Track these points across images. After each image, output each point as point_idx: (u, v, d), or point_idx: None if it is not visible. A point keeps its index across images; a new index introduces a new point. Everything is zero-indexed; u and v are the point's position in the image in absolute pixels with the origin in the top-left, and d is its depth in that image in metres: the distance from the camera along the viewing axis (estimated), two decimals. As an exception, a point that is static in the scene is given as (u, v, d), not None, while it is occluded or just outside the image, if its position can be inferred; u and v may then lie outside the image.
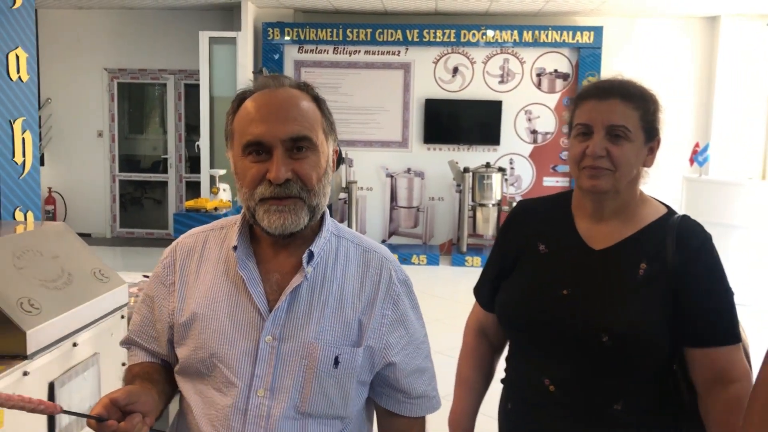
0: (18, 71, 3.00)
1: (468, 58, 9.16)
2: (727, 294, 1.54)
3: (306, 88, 1.37)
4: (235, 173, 1.34)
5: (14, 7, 2.99)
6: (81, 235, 8.55)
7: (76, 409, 1.94)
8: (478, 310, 1.82)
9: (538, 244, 1.65)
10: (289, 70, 9.22)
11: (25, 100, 3.07)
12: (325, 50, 9.21)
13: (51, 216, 10.06)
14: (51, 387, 1.85)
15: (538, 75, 9.11)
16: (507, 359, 1.75)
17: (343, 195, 8.80)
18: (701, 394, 1.54)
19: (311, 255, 1.34)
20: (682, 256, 1.53)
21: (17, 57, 2.99)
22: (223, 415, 1.31)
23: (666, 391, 1.57)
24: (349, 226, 8.71)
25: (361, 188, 9.22)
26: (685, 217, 1.60)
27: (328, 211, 1.45)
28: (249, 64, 8.82)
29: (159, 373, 1.42)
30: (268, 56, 9.14)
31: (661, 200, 1.67)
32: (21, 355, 1.75)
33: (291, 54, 9.24)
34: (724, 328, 1.52)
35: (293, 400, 1.31)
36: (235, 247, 1.35)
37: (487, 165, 8.73)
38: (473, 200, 8.71)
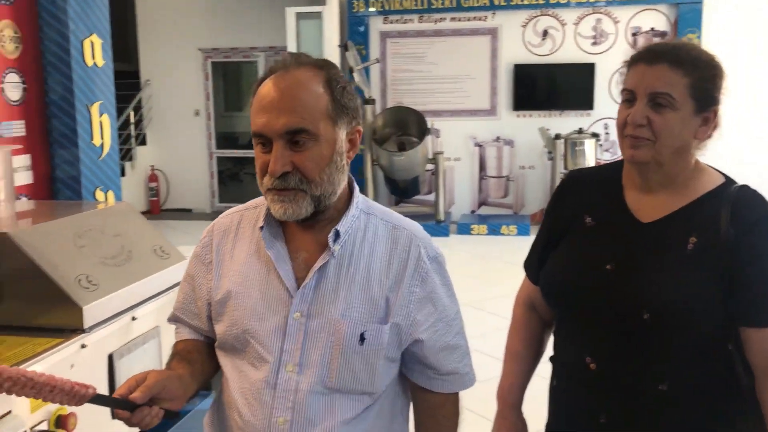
0: (93, 57, 3.14)
1: (558, 20, 8.84)
2: None
3: (323, 67, 1.34)
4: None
5: (88, -5, 3.12)
6: (182, 211, 8.96)
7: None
8: (527, 283, 1.77)
9: (585, 216, 1.59)
10: (374, 41, 9.22)
11: (101, 84, 3.21)
12: (410, 19, 9.13)
13: (154, 193, 10.58)
14: (110, 358, 1.95)
15: (634, 35, 8.68)
16: (553, 334, 1.71)
17: (430, 166, 8.76)
18: (759, 378, 1.45)
19: (337, 234, 1.35)
20: (737, 228, 1.42)
21: (92, 43, 3.13)
22: (255, 389, 1.35)
23: (718, 373, 1.47)
24: (437, 197, 8.68)
25: (449, 159, 9.13)
26: (744, 187, 1.48)
27: (357, 188, 1.44)
28: (335, 38, 8.87)
29: (199, 352, 1.47)
30: (353, 29, 9.16)
31: (720, 170, 1.55)
32: (79, 329, 1.86)
33: (376, 25, 9.22)
34: None
35: (321, 376, 1.33)
36: (261, 228, 1.38)
37: (580, 131, 8.44)
38: (565, 168, 8.45)
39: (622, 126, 1.48)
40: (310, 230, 1.37)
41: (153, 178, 10.61)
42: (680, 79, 1.42)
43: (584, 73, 8.66)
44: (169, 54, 10.44)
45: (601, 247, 1.54)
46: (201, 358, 1.46)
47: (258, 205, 1.48)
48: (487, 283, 6.20)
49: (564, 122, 8.79)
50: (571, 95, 8.79)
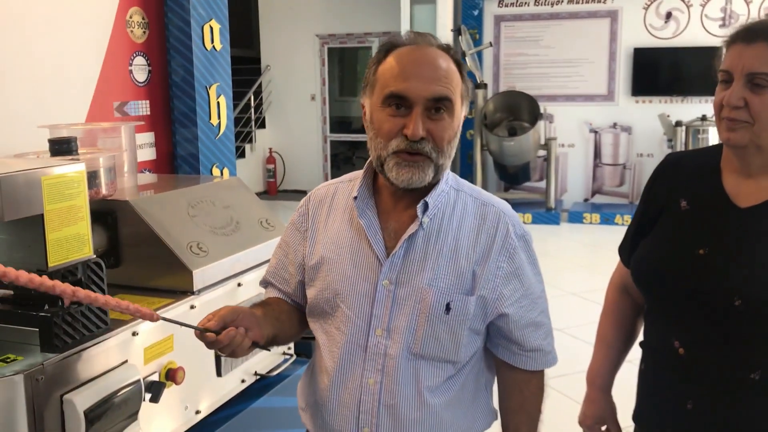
0: (212, 41, 3.32)
1: (683, 1, 8.42)
2: None
3: (449, 50, 1.41)
4: (369, 121, 1.41)
5: (208, -17, 3.31)
6: (297, 191, 9.27)
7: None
8: (621, 267, 1.76)
9: (681, 200, 1.55)
10: (488, 25, 9.13)
11: (219, 67, 3.40)
12: (525, 2, 8.98)
13: (272, 174, 11.00)
14: (217, 321, 2.10)
15: (768, 15, 8.13)
16: (644, 318, 1.68)
17: (542, 152, 8.61)
18: None
19: (426, 205, 1.40)
20: None
21: (211, 28, 3.31)
22: (346, 350, 1.43)
23: None
24: (548, 184, 8.53)
25: (562, 145, 8.94)
26: None
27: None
28: (449, 23, 8.86)
29: (278, 305, 1.57)
30: (467, 13, 9.11)
31: None
32: (189, 291, 2.00)
33: (491, 9, 9.13)
34: None
35: (407, 341, 1.39)
36: (355, 198, 1.44)
37: (703, 118, 8.03)
38: (686, 156, 8.07)
39: (719, 108, 1.44)
40: (401, 201, 1.43)
41: (271, 160, 11.03)
42: None
43: (710, 57, 8.14)
44: (287, 40, 10.79)
45: (695, 231, 1.51)
46: (279, 308, 1.55)
47: (353, 178, 1.55)
48: (596, 273, 6.05)
49: (686, 109, 8.40)
50: (695, 80, 8.35)
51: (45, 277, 1.24)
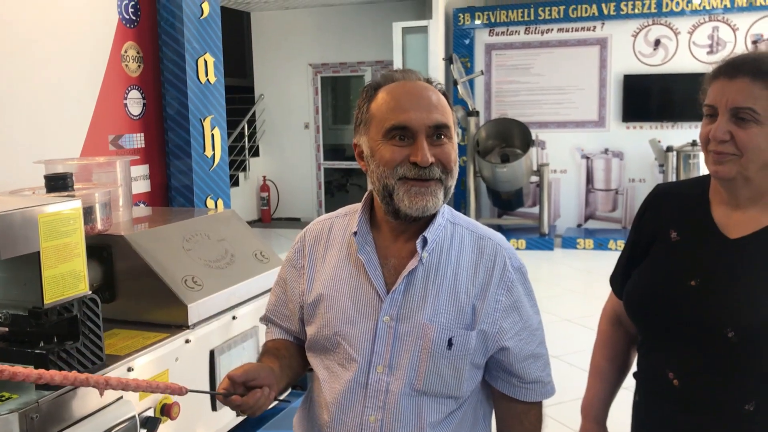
0: (207, 74, 3.36)
1: (671, 28, 8.54)
2: None
3: (434, 83, 1.45)
4: (369, 156, 1.41)
5: (202, 17, 3.35)
6: (291, 219, 9.26)
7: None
8: (613, 298, 1.77)
9: (671, 231, 1.57)
10: (479, 54, 9.23)
11: (213, 100, 3.43)
12: (516, 31, 9.08)
13: (265, 202, 11.01)
14: (212, 354, 2.10)
15: (754, 42, 8.24)
16: (637, 349, 1.69)
17: (534, 178, 8.65)
18: None
19: (425, 240, 1.40)
20: None
21: (205, 62, 3.35)
22: (346, 388, 1.41)
23: None
24: (541, 210, 8.57)
25: (554, 171, 8.99)
26: None
27: None
28: (440, 52, 8.96)
29: (287, 350, 1.57)
30: (458, 42, 9.21)
31: None
32: (184, 325, 2.01)
33: (482, 38, 9.23)
34: None
35: (409, 378, 1.38)
36: (355, 233, 1.45)
37: (694, 143, 8.08)
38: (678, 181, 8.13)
39: (706, 141, 1.46)
40: (400, 236, 1.44)
41: (265, 188, 11.06)
42: (763, 92, 1.38)
43: (699, 84, 8.28)
44: (281, 69, 10.89)
45: (685, 262, 1.52)
46: (289, 354, 1.55)
47: (348, 213, 1.55)
48: (591, 298, 6.07)
49: (677, 134, 8.46)
50: (685, 106, 8.43)
51: (75, 373, 1.23)
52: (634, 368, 1.71)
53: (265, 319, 1.65)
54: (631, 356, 1.77)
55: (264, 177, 11.08)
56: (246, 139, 10.85)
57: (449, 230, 1.46)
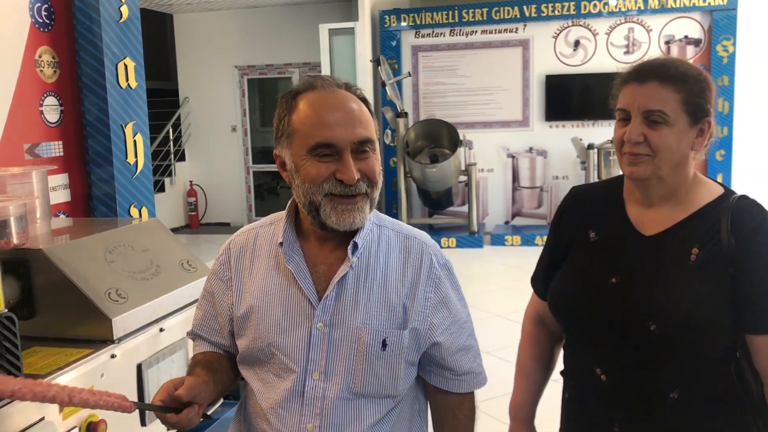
0: (127, 79, 3.27)
1: (590, 30, 8.82)
2: None
3: (354, 90, 1.44)
4: (294, 170, 1.39)
5: (121, 21, 3.26)
6: (220, 224, 9.11)
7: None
8: (535, 299, 1.81)
9: (589, 231, 1.62)
10: (406, 55, 9.31)
11: (135, 105, 3.34)
12: (441, 33, 9.20)
13: (193, 208, 10.80)
14: (139, 368, 2.04)
15: (667, 42, 8.61)
16: (563, 348, 1.74)
17: (462, 178, 8.78)
18: (766, 383, 1.48)
19: (355, 246, 1.41)
20: (738, 237, 1.46)
21: (125, 66, 3.26)
22: (283, 398, 1.41)
23: (729, 380, 1.50)
24: (470, 208, 8.70)
25: (482, 170, 9.15)
26: (743, 197, 1.52)
27: None
28: (367, 53, 8.99)
29: (219, 362, 1.54)
30: (385, 43, 9.26)
31: (719, 182, 1.59)
32: (108, 340, 1.95)
33: (408, 40, 9.31)
34: None
35: (346, 382, 1.39)
36: (281, 243, 1.44)
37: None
38: (599, 177, 8.40)
39: (620, 144, 1.52)
40: (328, 243, 1.44)
41: (192, 193, 10.84)
42: (671, 95, 1.46)
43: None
44: (206, 72, 10.70)
45: (605, 261, 1.58)
46: (221, 367, 1.53)
47: (273, 221, 1.54)
48: (520, 294, 6.15)
49: (597, 132, 8.74)
50: (604, 105, 8.61)
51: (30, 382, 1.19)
52: (560, 366, 1.75)
53: (192, 335, 1.61)
54: (555, 355, 1.82)
55: (191, 182, 10.87)
56: (171, 143, 10.61)
57: (376, 233, 1.47)
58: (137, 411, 2.05)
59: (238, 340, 1.49)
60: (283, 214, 1.53)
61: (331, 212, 1.35)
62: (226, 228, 10.72)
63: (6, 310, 1.62)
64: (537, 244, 8.46)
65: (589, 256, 1.61)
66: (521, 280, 7.95)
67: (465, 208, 9.00)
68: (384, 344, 1.39)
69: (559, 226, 1.70)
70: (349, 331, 1.39)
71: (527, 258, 7.90)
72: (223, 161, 10.93)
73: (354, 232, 1.41)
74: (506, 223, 9.35)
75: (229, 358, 1.57)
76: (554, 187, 9.16)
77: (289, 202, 1.50)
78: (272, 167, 11.12)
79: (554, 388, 1.81)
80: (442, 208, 9.26)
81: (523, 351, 1.84)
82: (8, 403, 1.58)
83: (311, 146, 1.34)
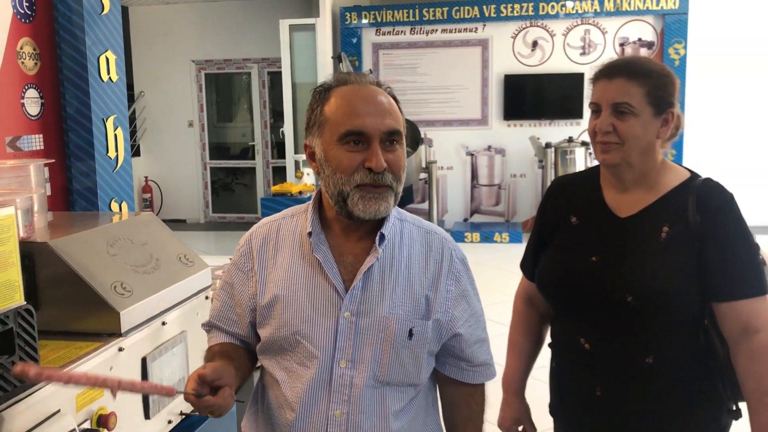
0: (108, 72, 3.24)
1: (547, 31, 9.01)
2: (748, 248, 1.63)
3: (385, 87, 1.48)
4: (323, 160, 1.43)
5: (103, 13, 3.22)
6: (176, 221, 8.99)
7: (167, 381, 2.14)
8: (524, 281, 1.97)
9: (571, 216, 1.79)
10: (367, 53, 9.35)
11: (115, 99, 3.31)
12: (402, 31, 9.27)
13: (148, 204, 10.63)
14: (143, 361, 2.04)
15: (621, 45, 8.87)
16: (551, 323, 1.90)
17: (423, 175, 8.88)
18: (731, 347, 1.63)
19: (382, 237, 1.45)
20: (703, 215, 1.63)
21: (107, 59, 3.23)
22: (309, 385, 1.44)
23: (698, 346, 1.66)
24: (430, 205, 8.80)
25: (442, 168, 9.27)
26: (707, 180, 1.70)
27: None
28: (328, 50, 8.99)
29: (236, 352, 1.56)
30: (346, 41, 9.29)
31: (686, 166, 1.77)
32: (116, 333, 1.94)
33: (369, 37, 9.36)
34: (747, 281, 1.61)
35: (372, 370, 1.43)
36: (309, 233, 1.47)
37: (570, 140, 8.60)
38: (556, 176, 8.60)
39: (593, 134, 1.70)
40: (353, 235, 1.48)
41: (147, 189, 10.67)
42: (636, 89, 1.62)
43: (573, 83, 8.82)
44: (162, 66, 10.53)
45: (586, 242, 1.74)
46: (238, 356, 1.55)
47: (294, 213, 1.57)
48: (481, 290, 6.28)
49: (554, 131, 8.95)
50: (561, 104, 8.95)
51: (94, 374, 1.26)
52: (548, 340, 1.92)
53: (209, 325, 1.63)
54: (543, 332, 1.98)
55: (146, 177, 10.69)
56: (126, 138, 10.41)
57: (398, 226, 1.51)
58: (141, 404, 2.07)
59: (261, 329, 1.51)
60: (302, 207, 1.56)
61: (359, 201, 1.38)
62: (182, 224, 10.58)
63: (25, 303, 1.61)
64: (496, 241, 8.62)
65: (572, 238, 1.77)
66: (482, 277, 8.08)
67: (425, 206, 9.10)
68: (411, 333, 1.44)
69: (545, 212, 1.87)
70: (376, 321, 1.43)
71: (488, 254, 8.09)
72: (180, 157, 10.79)
73: (378, 225, 1.46)
74: (465, 220, 9.49)
75: (246, 349, 1.59)
76: (512, 185, 9.35)
77: (314, 193, 1.54)
78: (229, 163, 11.03)
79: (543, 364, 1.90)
80: (402, 205, 9.19)
81: (514, 328, 2.00)
82: (27, 397, 1.58)
83: (342, 134, 1.38)
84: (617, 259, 1.67)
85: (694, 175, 1.71)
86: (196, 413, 2.34)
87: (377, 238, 1.44)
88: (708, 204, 1.63)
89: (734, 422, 1.72)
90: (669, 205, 1.67)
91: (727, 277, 1.61)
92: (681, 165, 1.76)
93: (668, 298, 1.61)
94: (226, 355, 1.53)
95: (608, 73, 1.67)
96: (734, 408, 1.69)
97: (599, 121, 1.66)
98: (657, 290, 1.61)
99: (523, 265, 1.95)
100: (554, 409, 1.89)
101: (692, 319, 1.65)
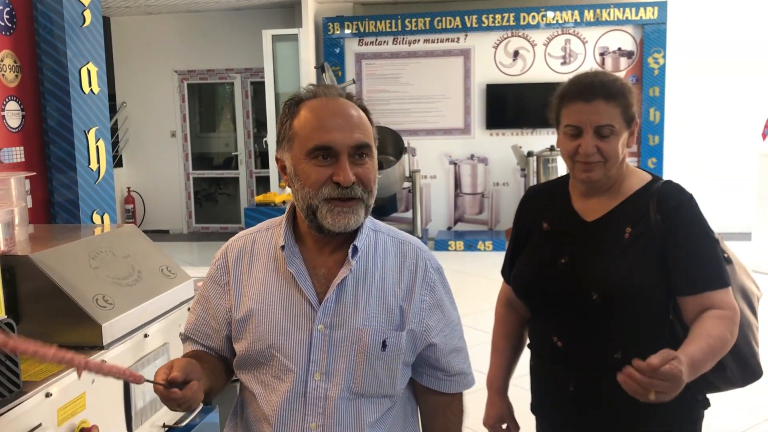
0: (90, 84, 3.23)
1: (528, 40, 9.10)
2: (709, 243, 1.70)
3: (353, 98, 1.49)
4: (293, 174, 1.44)
5: (84, 25, 3.23)
6: (159, 232, 8.95)
7: (150, 394, 2.14)
8: (504, 286, 2.04)
9: (542, 222, 1.87)
10: (350, 63, 9.38)
11: (97, 111, 3.31)
12: (384, 41, 9.32)
13: (131, 215, 10.57)
14: (126, 374, 2.04)
15: (602, 54, 8.97)
16: (528, 324, 1.97)
17: (406, 184, 8.91)
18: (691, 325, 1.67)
19: (355, 249, 1.46)
20: (663, 215, 1.71)
21: (89, 71, 3.22)
22: (285, 398, 1.44)
23: (664, 340, 1.69)
24: (414, 214, 8.83)
25: (425, 177, 9.31)
26: (667, 182, 1.78)
27: None
28: (311, 60, 9.01)
29: (207, 357, 1.56)
30: (329, 51, 9.31)
31: (647, 170, 1.85)
32: (98, 346, 1.94)
33: (351, 47, 9.39)
34: (709, 274, 1.68)
35: (347, 382, 1.44)
36: (282, 247, 1.48)
37: (552, 148, 8.66)
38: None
39: (573, 154, 1.73)
40: (326, 247, 1.49)
41: (129, 199, 10.61)
42: (614, 109, 1.69)
43: (555, 92, 8.87)
44: (144, 76, 10.50)
45: (556, 245, 1.81)
46: (210, 360, 1.55)
47: (270, 226, 1.57)
48: (465, 298, 6.31)
49: (536, 140, 9.02)
50: (542, 114, 8.93)
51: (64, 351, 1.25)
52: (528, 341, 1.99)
53: (184, 337, 1.63)
54: (524, 334, 2.04)
55: (129, 188, 10.64)
56: (108, 148, 10.35)
57: (372, 238, 1.53)
58: (124, 417, 2.06)
59: (237, 343, 1.51)
60: (277, 220, 1.57)
61: (328, 214, 1.40)
62: (165, 235, 10.52)
63: (6, 317, 1.61)
64: (480, 249, 8.66)
65: (543, 243, 1.85)
66: (466, 285, 8.08)
67: (409, 214, 9.13)
68: (384, 345, 1.45)
69: (519, 220, 1.96)
70: (350, 333, 1.44)
71: (471, 263, 8.13)
72: (162, 167, 10.74)
73: (351, 237, 1.47)
74: (449, 228, 9.53)
75: (222, 361, 1.59)
76: (495, 193, 9.40)
77: (288, 206, 1.55)
78: (212, 173, 11.00)
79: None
80: (386, 215, 9.35)
81: (496, 331, 2.07)
82: (9, 410, 1.58)
83: (310, 149, 1.39)
84: (583, 260, 1.75)
85: (655, 179, 1.80)
86: (180, 425, 2.35)
87: (350, 250, 1.45)
88: (668, 204, 1.71)
89: (706, 414, 1.81)
90: (632, 208, 1.75)
91: (690, 272, 1.68)
92: (643, 169, 1.85)
93: (631, 294, 1.68)
94: (197, 357, 1.53)
95: (585, 95, 1.70)
96: (701, 398, 1.78)
97: (584, 145, 1.69)
98: (620, 287, 1.68)
99: (503, 271, 2.01)
100: (534, 407, 1.96)
101: (658, 315, 1.72)
